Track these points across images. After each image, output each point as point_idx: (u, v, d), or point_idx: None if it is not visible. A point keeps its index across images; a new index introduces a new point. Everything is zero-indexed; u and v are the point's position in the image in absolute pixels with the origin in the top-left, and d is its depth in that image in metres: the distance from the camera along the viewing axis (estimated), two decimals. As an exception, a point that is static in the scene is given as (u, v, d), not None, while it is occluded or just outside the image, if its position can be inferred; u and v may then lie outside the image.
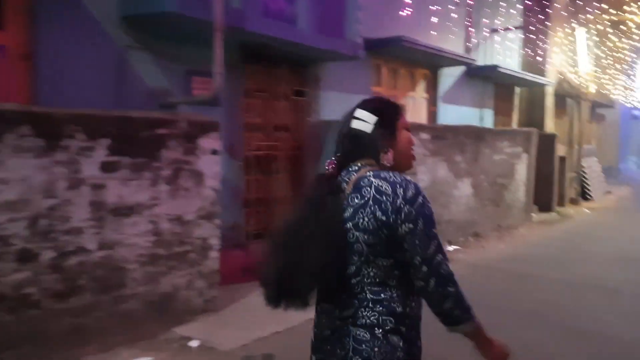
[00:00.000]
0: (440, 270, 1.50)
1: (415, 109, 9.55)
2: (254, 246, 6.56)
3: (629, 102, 20.25)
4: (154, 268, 4.33)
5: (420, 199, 1.52)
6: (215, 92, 4.94)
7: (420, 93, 9.68)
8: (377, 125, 1.62)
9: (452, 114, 10.29)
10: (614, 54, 15.69)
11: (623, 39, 14.61)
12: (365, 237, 1.51)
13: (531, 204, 11.41)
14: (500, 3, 11.82)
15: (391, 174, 1.55)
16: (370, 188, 1.52)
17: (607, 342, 4.64)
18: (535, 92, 14.59)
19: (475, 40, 11.09)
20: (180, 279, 4.53)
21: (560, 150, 15.46)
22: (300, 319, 5.06)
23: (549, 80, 13.32)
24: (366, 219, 1.50)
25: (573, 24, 13.98)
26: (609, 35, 15.08)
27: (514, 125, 13.63)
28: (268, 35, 5.72)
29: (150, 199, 4.25)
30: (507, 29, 11.56)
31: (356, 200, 1.53)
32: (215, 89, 4.93)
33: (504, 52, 12.70)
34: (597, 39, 14.92)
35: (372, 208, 1.49)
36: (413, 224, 1.49)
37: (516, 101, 14.32)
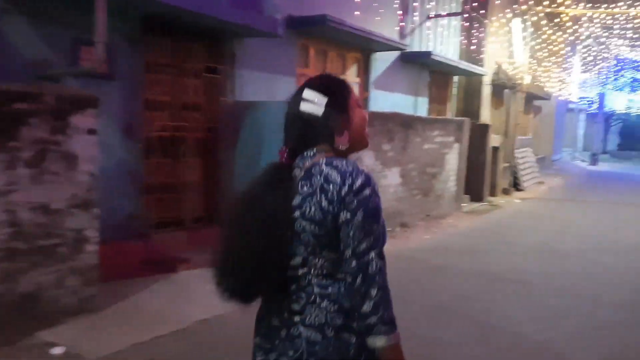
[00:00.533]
0: (369, 269, 1.42)
1: (345, 93, 9.19)
2: (157, 237, 6.03)
3: (564, 95, 20.73)
4: (12, 264, 3.75)
5: (367, 191, 1.45)
6: (98, 63, 4.35)
7: (351, 77, 9.31)
8: (329, 106, 1.54)
9: (384, 101, 9.99)
10: (550, 46, 15.89)
11: (558, 32, 14.76)
12: (312, 227, 1.47)
13: (462, 193, 11.34)
14: (438, -12, 11.60)
15: (344, 163, 1.49)
16: (320, 176, 1.47)
17: (514, 341, 4.44)
18: (472, 81, 14.58)
19: (413, 25, 10.82)
20: (47, 276, 3.97)
21: (495, 140, 15.57)
22: (191, 320, 4.70)
23: (485, 70, 13.27)
24: (313, 208, 1.46)
25: (509, 14, 13.98)
26: (544, 28, 15.21)
27: (450, 114, 13.55)
28: (171, 4, 5.16)
29: (5, 184, 3.65)
30: (442, 15, 11.33)
31: (305, 189, 1.49)
32: (98, 60, 4.34)
33: (442, 39, 12.53)
34: (533, 30, 15.00)
35: (319, 197, 1.46)
36: (351, 214, 1.43)
37: (453, 90, 14.26)
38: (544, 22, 14.34)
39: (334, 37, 8.26)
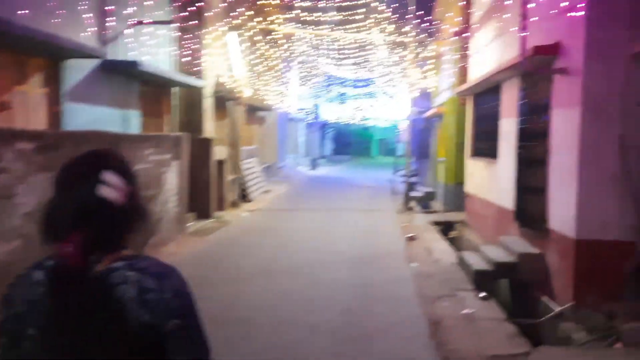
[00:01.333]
0: None
1: (28, 108, 7.48)
2: None
3: (283, 107, 21.97)
4: None
5: (187, 290, 1.34)
6: None
7: (34, 88, 7.64)
8: (128, 192, 1.34)
9: (84, 116, 8.56)
10: (267, 61, 16.43)
11: (273, 48, 15.28)
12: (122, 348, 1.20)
13: (185, 213, 10.61)
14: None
15: (150, 262, 1.32)
16: (127, 284, 1.24)
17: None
18: (193, 93, 14.00)
19: (115, 32, 9.59)
20: None
21: (220, 153, 15.33)
22: None
23: (204, 82, 12.81)
24: (123, 324, 1.20)
25: (225, 26, 13.87)
26: (260, 44, 15.63)
27: (169, 128, 12.69)
28: None
29: None
30: (146, 23, 10.39)
31: (107, 303, 1.22)
32: None
33: (155, 49, 11.59)
34: (249, 44, 15.23)
35: (131, 308, 1.22)
36: (176, 324, 1.26)
37: (174, 102, 13.46)
38: (259, 37, 14.64)
39: (2, 39, 6.57)
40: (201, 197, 12.16)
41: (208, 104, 14.54)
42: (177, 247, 9.18)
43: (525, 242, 7.89)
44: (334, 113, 35.89)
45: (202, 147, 12.17)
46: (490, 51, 10.19)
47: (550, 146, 7.06)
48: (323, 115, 34.12)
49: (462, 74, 13.52)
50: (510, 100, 9.02)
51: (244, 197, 15.56)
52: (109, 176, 1.30)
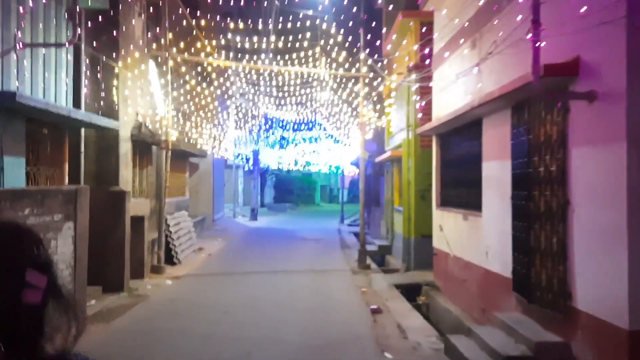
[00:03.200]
0: None
1: None
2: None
3: (218, 152, 19.75)
4: None
5: None
6: None
7: None
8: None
9: None
10: (198, 99, 14.32)
11: (204, 83, 13.19)
12: None
13: (84, 291, 8.06)
14: (44, 14, 8.36)
15: None
16: None
17: None
18: (106, 136, 11.59)
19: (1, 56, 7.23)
20: None
21: (140, 207, 12.85)
22: None
23: (116, 123, 10.47)
24: None
25: (144, 57, 11.72)
26: (190, 77, 13.53)
27: (73, 181, 10.17)
28: None
29: None
30: (37, 45, 8.10)
31: None
32: None
33: (52, 78, 9.23)
34: (176, 77, 13.06)
35: None
36: None
37: (81, 147, 11.00)
38: (186, 70, 12.53)
39: None
40: (111, 265, 9.63)
41: (125, 149, 12.14)
42: (62, 342, 6.61)
43: (535, 323, 6.00)
44: (274, 159, 33.92)
45: (113, 202, 9.74)
46: (463, 83, 8.59)
47: (570, 196, 5.29)
48: (263, 161, 32.08)
49: (424, 112, 11.95)
50: (496, 139, 7.33)
51: (170, 259, 13.02)
52: (33, 275, 1.09)
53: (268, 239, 19.96)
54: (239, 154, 26.14)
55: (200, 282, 11.28)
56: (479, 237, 7.99)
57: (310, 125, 23.88)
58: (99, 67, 10.69)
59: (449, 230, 9.67)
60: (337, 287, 10.75)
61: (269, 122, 23.73)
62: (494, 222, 7.36)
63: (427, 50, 10.84)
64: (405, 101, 12.65)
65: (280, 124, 24.63)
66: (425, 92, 11.61)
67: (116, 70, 11.21)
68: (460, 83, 8.73)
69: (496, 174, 7.30)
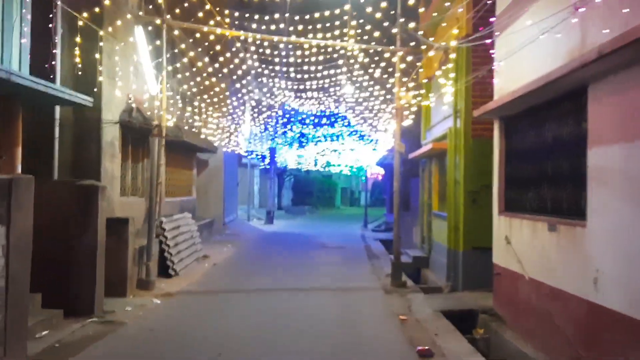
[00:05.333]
0: None
1: None
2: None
3: (230, 147, 17.56)
4: None
5: None
6: None
7: None
8: None
9: None
10: (204, 84, 12.12)
11: (207, 60, 10.95)
12: None
13: (23, 322, 5.81)
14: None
15: None
16: None
17: None
18: (86, 119, 9.50)
19: None
20: None
21: (132, 208, 10.69)
22: None
23: (89, 99, 8.27)
24: None
25: (136, 23, 9.55)
26: (195, 58, 11.33)
27: (29, 171, 8.03)
28: None
29: None
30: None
31: None
32: None
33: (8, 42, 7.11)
34: (176, 56, 10.84)
35: None
36: None
37: (55, 131, 8.90)
38: (184, 45, 10.31)
39: None
40: (77, 281, 7.44)
41: (111, 136, 10.00)
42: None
43: None
44: (293, 158, 31.69)
45: (81, 200, 7.55)
46: (547, 43, 6.20)
47: None
48: (280, 160, 29.87)
49: (479, 93, 9.56)
50: (620, 111, 4.92)
51: (165, 269, 10.82)
52: None
53: (284, 245, 17.67)
54: (252, 151, 23.90)
55: (195, 302, 9.02)
56: (579, 256, 5.58)
57: (333, 119, 21.66)
58: (78, 32, 8.57)
59: (522, 243, 7.25)
60: (369, 314, 8.39)
61: (287, 116, 21.48)
62: (613, 236, 4.95)
63: (480, 18, 8.42)
64: (451, 82, 10.25)
65: (300, 118, 22.38)
66: (479, 67, 9.23)
67: (101, 44, 9.07)
68: (540, 44, 6.34)
69: (619, 164, 4.89)
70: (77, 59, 8.51)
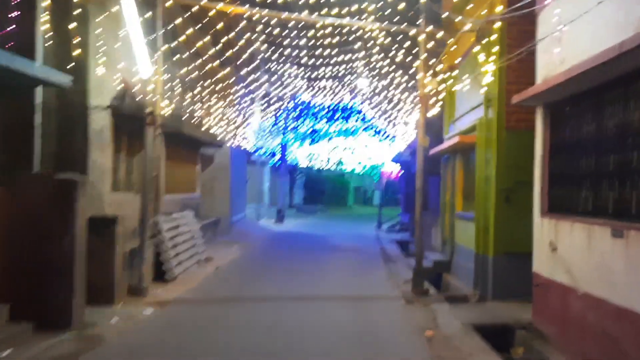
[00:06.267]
0: None
1: None
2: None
3: (238, 142, 16.54)
4: None
5: None
6: None
7: None
8: None
9: None
10: (204, 63, 11.08)
11: (206, 40, 9.90)
12: None
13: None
14: None
15: None
16: None
17: None
18: (71, 105, 8.49)
19: None
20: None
21: (124, 205, 9.70)
22: None
23: (66, 80, 7.23)
24: None
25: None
26: (195, 38, 10.29)
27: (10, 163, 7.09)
28: None
29: None
30: None
31: None
32: None
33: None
34: (172, 30, 9.79)
35: None
36: None
37: (35, 118, 7.89)
38: (180, 20, 9.28)
39: None
40: (51, 289, 6.44)
41: (100, 124, 9.00)
42: None
43: None
44: (304, 155, 30.60)
45: (56, 196, 6.54)
46: (610, 12, 5.05)
47: None
48: (292, 157, 28.80)
49: (517, 77, 8.42)
50: None
51: (162, 274, 9.82)
52: None
53: (294, 247, 16.62)
54: (261, 147, 22.82)
55: (191, 313, 7.98)
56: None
57: (347, 113, 20.54)
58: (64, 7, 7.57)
59: (572, 251, 6.11)
60: (389, 328, 7.30)
61: (299, 108, 20.37)
62: None
63: None
64: (482, 67, 9.09)
65: (312, 112, 21.29)
66: (514, 51, 8.07)
67: (89, 20, 8.07)
68: (602, 13, 5.20)
69: None
70: (58, 35, 7.52)
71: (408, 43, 10.15)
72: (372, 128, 22.76)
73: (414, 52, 9.86)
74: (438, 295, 9.72)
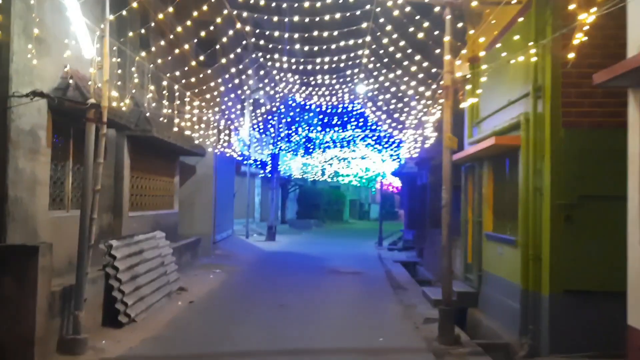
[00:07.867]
0: None
1: None
2: None
3: (220, 148, 14.36)
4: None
5: None
6: None
7: None
8: None
9: None
10: (178, 45, 8.93)
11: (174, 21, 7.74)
12: None
13: None
14: None
15: None
16: None
17: None
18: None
19: None
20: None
21: (48, 226, 7.48)
22: None
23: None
24: None
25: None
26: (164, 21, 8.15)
27: None
28: None
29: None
30: None
31: None
32: None
33: None
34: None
35: None
36: None
37: None
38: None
39: None
40: None
41: (29, 122, 6.79)
42: None
43: None
44: (298, 167, 28.42)
45: None
46: None
47: None
48: (284, 168, 26.59)
49: (581, 52, 6.32)
50: None
51: (115, 315, 7.56)
52: None
53: (286, 271, 14.37)
54: (249, 157, 20.61)
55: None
56: None
57: (345, 118, 18.47)
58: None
59: None
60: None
61: (291, 113, 18.24)
62: None
63: None
64: (524, 48, 6.99)
65: (306, 116, 19.18)
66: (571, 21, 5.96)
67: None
68: None
69: None
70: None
71: (426, 23, 8.06)
72: (372, 136, 20.64)
73: (436, 33, 7.76)
74: (472, 344, 7.50)
